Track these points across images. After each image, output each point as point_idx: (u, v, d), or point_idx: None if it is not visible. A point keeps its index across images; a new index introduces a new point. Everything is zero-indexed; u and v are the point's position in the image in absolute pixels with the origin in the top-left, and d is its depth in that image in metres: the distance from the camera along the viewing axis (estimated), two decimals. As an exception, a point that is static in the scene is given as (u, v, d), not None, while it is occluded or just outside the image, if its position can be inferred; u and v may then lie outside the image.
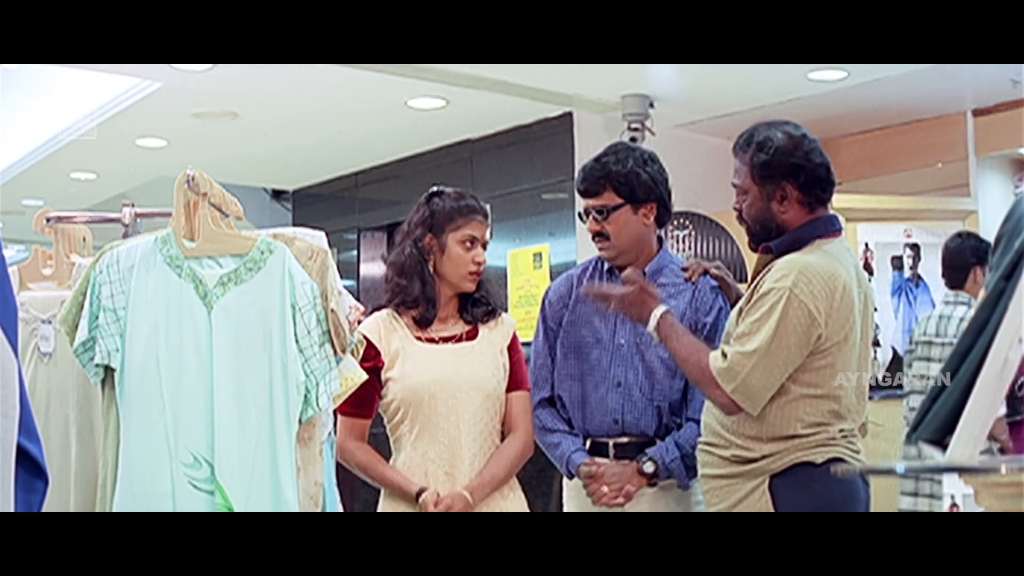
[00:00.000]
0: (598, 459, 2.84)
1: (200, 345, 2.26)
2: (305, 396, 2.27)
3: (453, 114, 5.62)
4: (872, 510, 2.67)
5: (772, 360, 2.45)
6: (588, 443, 2.88)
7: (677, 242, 5.62)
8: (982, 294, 1.73)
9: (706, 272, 2.90)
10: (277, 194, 7.65)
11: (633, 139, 5.11)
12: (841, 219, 2.69)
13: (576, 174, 2.94)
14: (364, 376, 2.45)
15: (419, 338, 2.84)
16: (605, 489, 2.77)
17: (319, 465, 2.35)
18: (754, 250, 2.67)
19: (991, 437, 3.76)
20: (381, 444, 2.87)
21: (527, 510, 2.92)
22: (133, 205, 2.75)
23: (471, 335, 2.88)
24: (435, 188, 2.93)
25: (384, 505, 2.83)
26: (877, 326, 5.02)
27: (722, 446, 2.57)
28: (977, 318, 1.51)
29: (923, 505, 4.56)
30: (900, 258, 5.44)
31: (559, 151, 5.65)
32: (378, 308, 2.89)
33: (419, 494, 2.72)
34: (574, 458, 2.84)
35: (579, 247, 5.49)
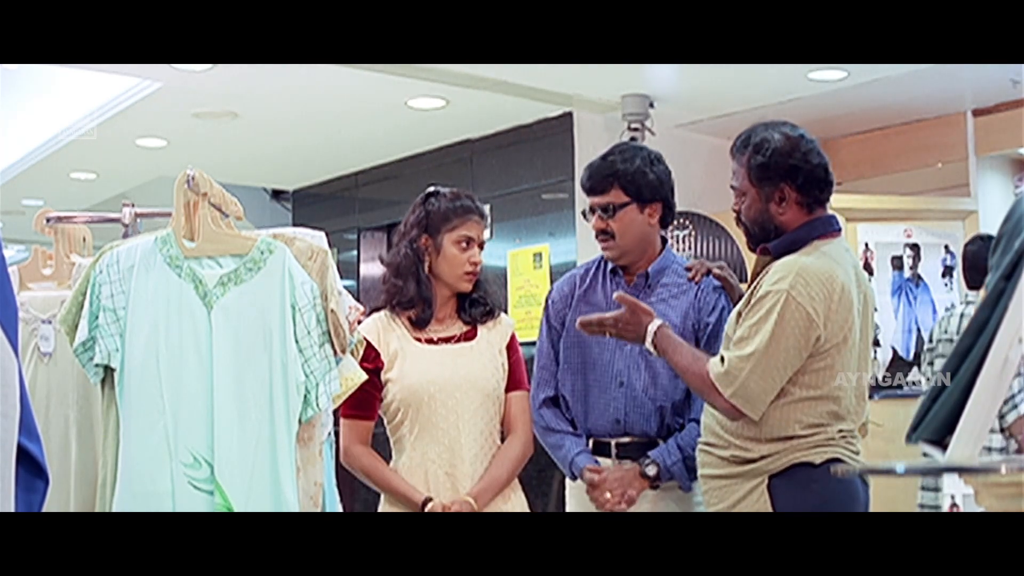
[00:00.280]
0: (599, 459, 2.84)
1: (200, 345, 2.26)
2: (305, 396, 2.27)
3: (453, 114, 5.62)
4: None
5: (771, 363, 2.44)
6: (591, 443, 2.88)
7: (677, 242, 5.61)
8: (982, 294, 1.73)
9: (709, 272, 2.90)
10: (277, 194, 7.65)
11: (633, 139, 5.10)
12: (840, 219, 2.68)
13: (580, 173, 2.94)
14: (364, 376, 2.45)
15: (418, 339, 2.84)
16: (608, 496, 2.77)
17: (319, 465, 2.35)
18: (753, 251, 2.67)
19: (1010, 435, 3.75)
20: (381, 445, 2.87)
21: (528, 510, 2.92)
22: (133, 205, 2.75)
23: (470, 335, 2.88)
24: (431, 189, 2.93)
25: (385, 509, 2.84)
26: (877, 326, 5.02)
27: (721, 446, 2.56)
28: (977, 318, 1.51)
29: (946, 500, 4.54)
30: (900, 258, 5.44)
31: (559, 151, 5.65)
32: (376, 309, 2.90)
33: (424, 504, 2.72)
34: (577, 461, 2.84)
35: (579, 247, 5.49)
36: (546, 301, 3.04)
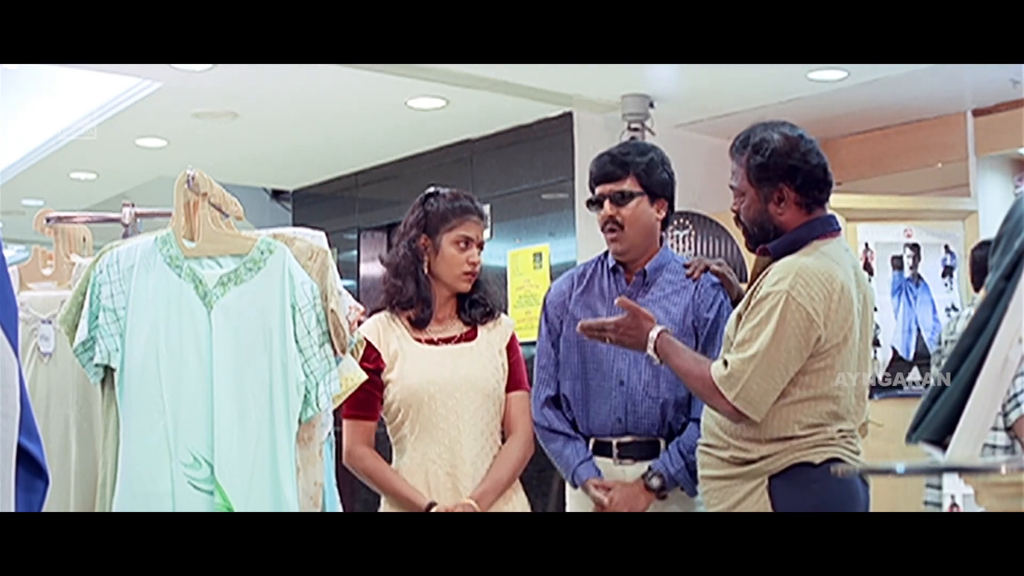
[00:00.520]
0: (600, 459, 2.84)
1: (200, 345, 2.26)
2: (305, 396, 2.27)
3: (453, 114, 5.61)
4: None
5: (772, 364, 2.44)
6: (592, 442, 2.88)
7: (677, 242, 5.61)
8: (982, 294, 1.73)
9: (707, 269, 2.90)
10: (277, 194, 7.65)
11: (633, 139, 5.10)
12: (840, 219, 2.68)
13: (580, 173, 2.94)
14: (364, 376, 2.45)
15: (418, 339, 2.84)
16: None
17: (319, 465, 2.35)
18: (752, 251, 2.67)
19: (1015, 436, 3.74)
20: (381, 445, 2.87)
21: (529, 510, 2.92)
22: (133, 205, 2.75)
23: (470, 336, 2.88)
24: (431, 189, 2.93)
25: (385, 510, 2.83)
26: (877, 326, 5.02)
27: (720, 447, 2.56)
28: (977, 318, 1.51)
29: (946, 500, 4.54)
30: (900, 258, 5.44)
31: (559, 151, 5.64)
32: (377, 310, 2.90)
33: (427, 509, 2.72)
34: (580, 472, 2.83)
35: (579, 247, 5.47)
36: (545, 300, 3.04)
